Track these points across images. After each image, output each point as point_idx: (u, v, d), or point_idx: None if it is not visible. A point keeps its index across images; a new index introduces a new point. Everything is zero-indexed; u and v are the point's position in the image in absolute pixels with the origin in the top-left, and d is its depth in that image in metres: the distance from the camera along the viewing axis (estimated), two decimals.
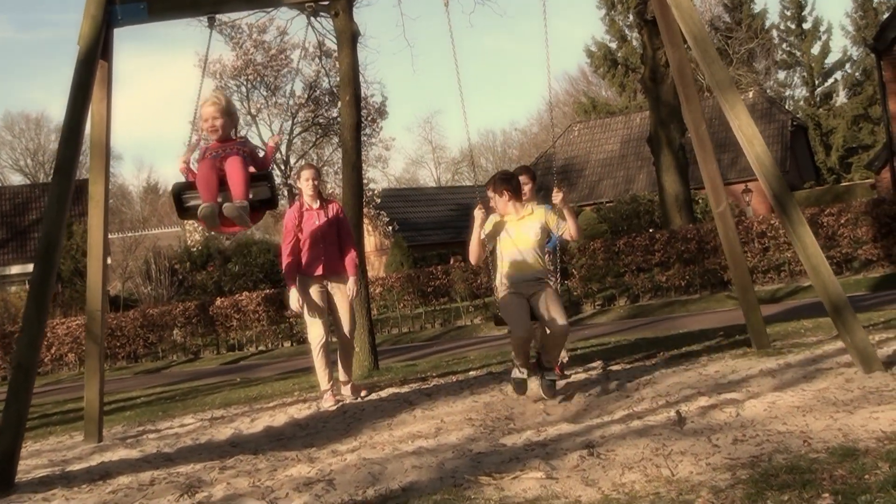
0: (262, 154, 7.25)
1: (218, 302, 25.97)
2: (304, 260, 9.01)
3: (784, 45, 64.83)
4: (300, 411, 8.89)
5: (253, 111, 39.82)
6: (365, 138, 41.17)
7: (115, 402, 13.11)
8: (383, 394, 9.33)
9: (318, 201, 9.11)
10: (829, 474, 4.22)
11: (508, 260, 7.78)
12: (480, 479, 4.92)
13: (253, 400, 10.73)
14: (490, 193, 7.99)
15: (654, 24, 23.79)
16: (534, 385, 8.32)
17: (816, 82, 62.01)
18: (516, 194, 7.95)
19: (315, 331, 9.04)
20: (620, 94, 62.85)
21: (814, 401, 5.91)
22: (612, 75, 62.23)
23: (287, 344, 25.19)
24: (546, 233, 7.93)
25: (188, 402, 11.72)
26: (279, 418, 8.63)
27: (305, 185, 9.08)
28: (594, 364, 9.48)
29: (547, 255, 8.89)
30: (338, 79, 39.43)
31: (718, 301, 19.49)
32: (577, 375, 8.85)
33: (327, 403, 8.93)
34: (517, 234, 7.77)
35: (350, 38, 11.74)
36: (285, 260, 9.06)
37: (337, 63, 38.81)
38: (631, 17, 61.92)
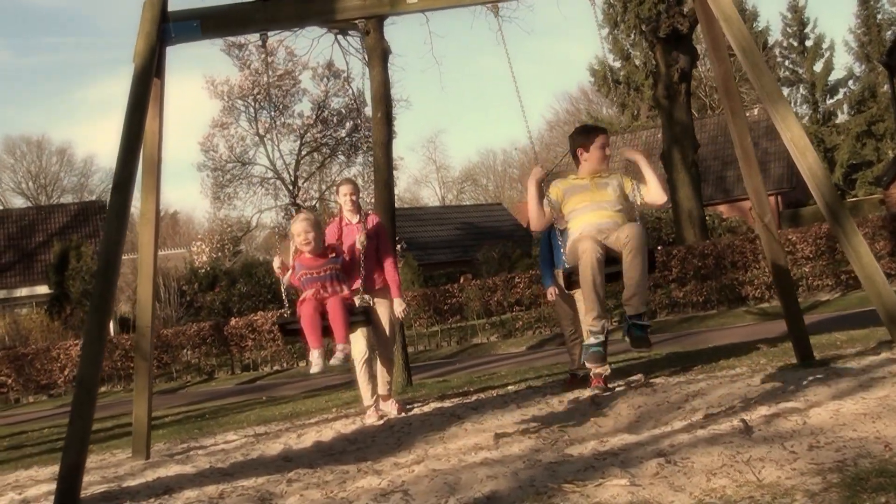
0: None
1: (233, 322, 26.03)
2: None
3: (787, 63, 65.17)
4: (346, 426, 8.92)
5: (261, 131, 39.95)
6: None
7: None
8: (426, 408, 9.36)
9: (357, 216, 9.16)
10: None
11: (582, 215, 6.86)
12: (563, 486, 4.95)
13: (289, 417, 10.76)
14: (604, 140, 7.06)
15: (668, 41, 24.02)
16: (581, 401, 8.40)
17: (819, 99, 62.21)
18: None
19: (358, 346, 9.03)
20: (622, 113, 63.09)
21: (879, 408, 5.93)
22: (614, 94, 62.51)
23: (302, 363, 25.19)
24: (625, 193, 6.97)
25: (221, 421, 11.73)
26: (326, 433, 8.66)
27: (344, 199, 9.13)
28: (635, 377, 9.51)
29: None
30: (346, 99, 39.88)
31: (737, 316, 19.55)
32: (620, 388, 8.89)
33: (371, 419, 8.95)
34: (592, 188, 6.91)
35: (381, 55, 11.83)
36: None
37: (345, 83, 39.38)
38: (633, 37, 62.46)
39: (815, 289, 19.93)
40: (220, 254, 45.22)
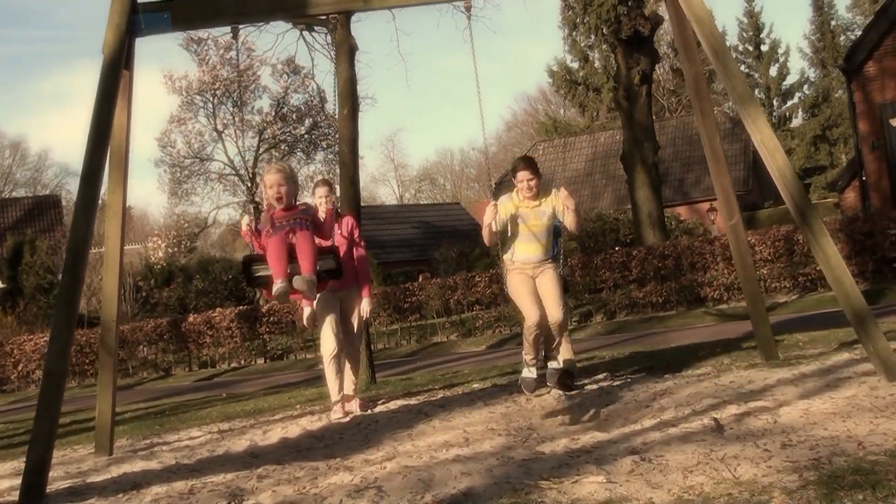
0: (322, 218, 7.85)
1: (191, 318, 25.82)
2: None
3: (742, 67, 65.68)
4: (312, 423, 8.87)
5: (220, 127, 39.69)
6: (332, 156, 41.21)
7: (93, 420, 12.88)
8: (392, 406, 9.33)
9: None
10: (895, 475, 4.29)
11: (519, 242, 8.08)
12: (540, 483, 4.95)
13: (253, 414, 10.68)
14: (530, 174, 7.95)
15: (630, 43, 24.15)
16: (549, 398, 8.42)
17: (775, 104, 62.85)
18: (539, 179, 8.12)
19: (328, 343, 8.98)
20: (581, 114, 63.32)
21: (848, 407, 6.00)
22: (573, 95, 62.67)
23: (260, 361, 25.07)
24: (553, 217, 8.17)
25: (183, 417, 11.62)
26: (292, 430, 8.60)
27: (319, 201, 9.07)
28: (600, 376, 9.54)
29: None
30: (305, 96, 39.73)
31: (696, 317, 19.68)
32: (586, 387, 8.91)
33: (337, 415, 8.91)
34: (531, 217, 8.02)
35: (348, 52, 11.77)
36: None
37: (305, 80, 39.23)
38: (593, 38, 62.67)
39: (773, 290, 20.10)
40: (176, 250, 44.87)
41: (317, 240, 7.43)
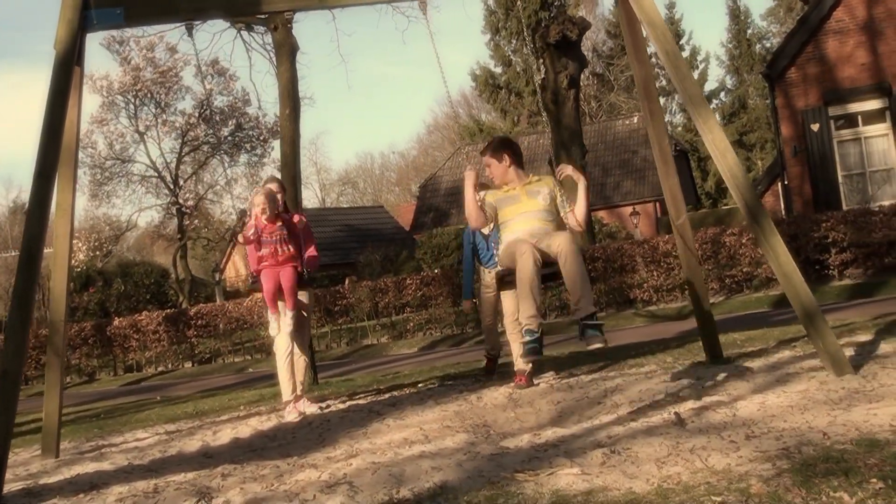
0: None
1: (116, 322, 25.42)
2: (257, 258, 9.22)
3: (663, 73, 66.65)
4: (262, 423, 8.84)
5: (141, 128, 39.15)
6: (256, 158, 40.93)
7: (30, 423, 12.58)
8: (341, 406, 9.34)
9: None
10: (863, 462, 4.42)
11: (514, 224, 7.19)
12: (516, 476, 5.00)
13: (196, 416, 10.58)
14: (487, 159, 7.45)
15: (557, 47, 24.36)
16: (499, 395, 8.49)
17: None
18: (518, 160, 7.47)
19: (282, 341, 9.03)
20: (503, 118, 63.74)
21: (803, 401, 6.15)
22: (495, 99, 63.10)
23: (188, 364, 24.79)
24: (555, 202, 7.28)
25: (121, 420, 11.46)
26: (243, 430, 8.56)
27: (267, 188, 9.18)
28: (546, 375, 9.63)
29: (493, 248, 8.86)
30: (230, 98, 39.38)
31: (626, 319, 19.94)
32: (534, 385, 8.98)
33: (291, 415, 8.90)
34: (523, 198, 7.22)
35: (289, 51, 11.74)
36: (253, 255, 9.25)
37: (230, 82, 38.90)
38: (514, 43, 63.21)
39: None
40: (97, 253, 44.13)
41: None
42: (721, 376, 7.71)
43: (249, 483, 5.83)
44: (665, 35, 7.54)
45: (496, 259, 7.94)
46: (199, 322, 24.89)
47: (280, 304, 9.06)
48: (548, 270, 6.78)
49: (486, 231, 9.04)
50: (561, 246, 6.60)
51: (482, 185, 7.62)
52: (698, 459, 4.87)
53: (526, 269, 6.51)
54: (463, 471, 5.32)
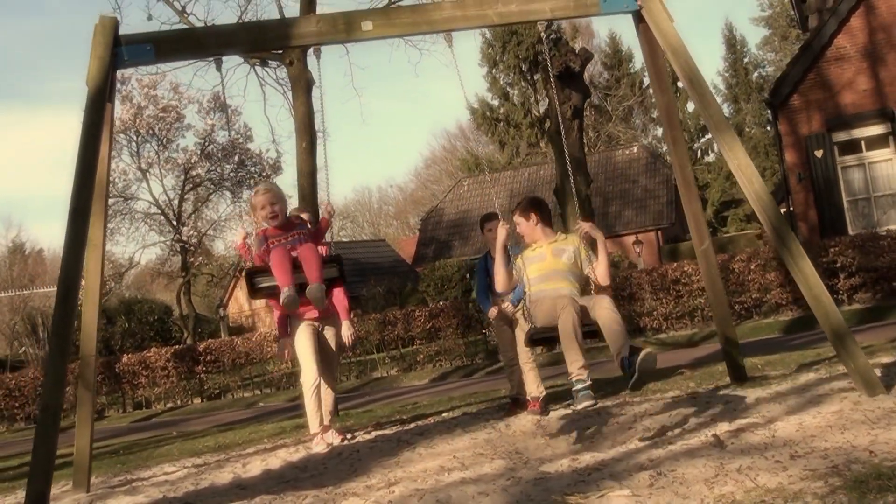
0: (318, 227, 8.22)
1: (125, 359, 25.41)
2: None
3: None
4: (291, 455, 8.84)
5: (144, 166, 39.28)
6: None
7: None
8: (368, 436, 9.35)
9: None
10: None
11: (540, 283, 7.35)
12: (567, 499, 5.04)
13: (219, 449, 10.57)
14: (517, 219, 7.69)
15: (561, 78, 24.52)
16: (527, 423, 8.52)
17: (692, 138, 64.16)
18: (546, 218, 7.69)
19: (309, 372, 8.92)
20: (501, 150, 64.00)
21: (841, 420, 6.19)
22: (493, 131, 63.43)
23: (197, 400, 24.77)
24: (579, 259, 7.46)
25: (142, 455, 11.45)
26: (272, 462, 8.56)
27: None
28: (570, 401, 9.62)
29: (515, 306, 9.07)
30: (232, 134, 39.50)
31: None
32: (561, 411, 9.01)
33: (319, 447, 8.84)
34: (549, 257, 7.43)
35: (305, 86, 11.87)
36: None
37: (232, 118, 39.05)
38: (512, 76, 63.57)
39: (709, 319, 20.49)
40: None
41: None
42: (752, 399, 7.75)
43: None
44: (688, 63, 7.63)
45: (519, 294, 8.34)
46: (208, 357, 24.87)
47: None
48: (587, 329, 6.93)
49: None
50: (601, 314, 6.82)
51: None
52: (748, 479, 4.91)
53: (570, 323, 6.68)
54: (510, 495, 5.36)
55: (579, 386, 6.73)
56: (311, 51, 8.07)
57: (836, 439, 5.64)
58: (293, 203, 12.73)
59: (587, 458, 6.31)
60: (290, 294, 7.06)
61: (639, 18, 7.91)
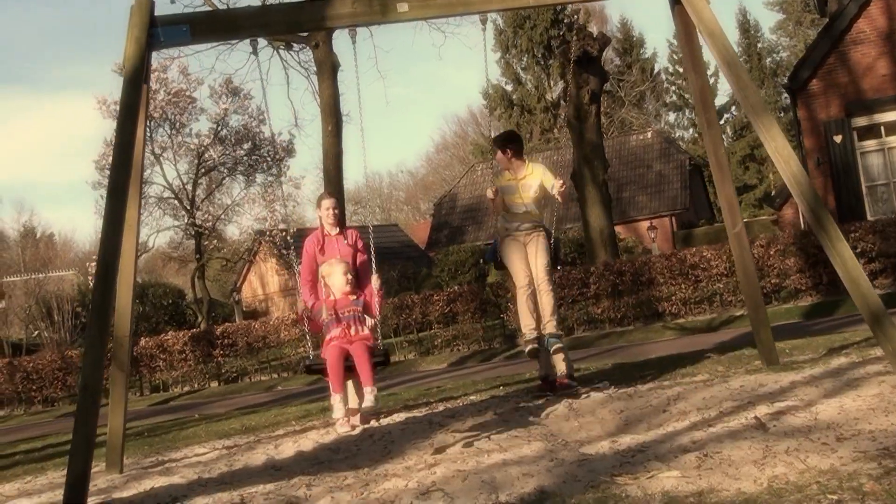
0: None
1: (142, 342, 25.46)
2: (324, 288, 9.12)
3: (673, 88, 66.94)
4: (322, 437, 8.82)
5: (157, 150, 39.24)
6: (272, 178, 41.01)
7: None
8: (397, 418, 9.34)
9: (337, 228, 9.27)
10: None
11: (512, 210, 9.23)
12: (615, 479, 5.04)
13: (249, 431, 10.59)
14: (496, 148, 9.47)
15: (580, 63, 24.48)
16: (560, 406, 8.50)
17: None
18: (518, 153, 9.39)
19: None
20: None
21: (882, 403, 6.16)
22: (507, 116, 63.34)
23: (214, 384, 24.84)
24: (543, 189, 9.24)
25: (166, 438, 11.48)
26: (304, 444, 8.55)
27: (326, 213, 9.21)
28: (600, 385, 9.64)
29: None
30: (245, 117, 39.48)
31: (656, 332, 19.94)
32: (592, 395, 8.98)
33: (343, 429, 8.90)
34: (519, 191, 9.16)
35: (331, 69, 11.86)
36: (306, 286, 9.18)
37: (244, 101, 39.00)
38: (525, 60, 63.47)
39: (728, 304, 20.48)
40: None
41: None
42: (784, 382, 7.72)
43: (338, 492, 5.86)
44: (725, 46, 7.59)
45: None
46: (225, 341, 24.92)
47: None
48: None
49: None
50: (538, 275, 9.13)
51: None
52: (797, 461, 4.89)
53: (522, 289, 9.08)
54: (556, 476, 5.35)
55: (529, 346, 9.13)
56: (342, 32, 8.09)
57: (880, 422, 5.62)
58: (317, 185, 12.68)
59: (627, 440, 6.29)
60: (340, 407, 8.61)
61: (675, 1, 7.87)
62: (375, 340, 9.04)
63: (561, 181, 9.02)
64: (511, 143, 9.44)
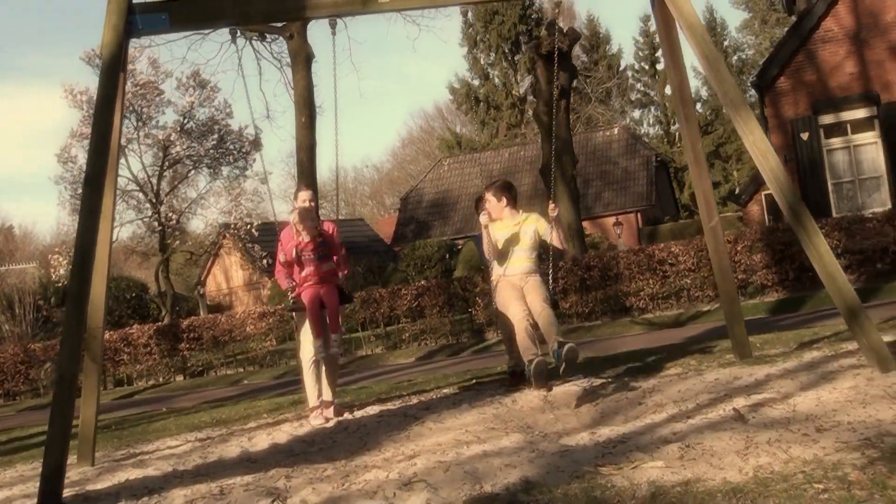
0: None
1: (107, 335, 25.19)
2: (299, 278, 9.08)
3: (639, 85, 67.23)
4: (296, 429, 8.79)
5: (123, 142, 38.87)
6: (238, 171, 40.80)
7: (37, 436, 12.43)
8: (371, 411, 9.32)
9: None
10: None
11: (507, 257, 9.07)
12: (600, 470, 5.04)
13: (220, 424, 10.53)
14: (489, 196, 9.26)
15: (549, 58, 24.50)
16: (534, 398, 8.50)
17: (670, 121, 64.32)
18: (513, 202, 9.30)
19: (307, 348, 9.04)
20: (482, 131, 63.95)
21: (859, 395, 6.21)
22: (474, 112, 63.37)
23: (180, 378, 24.67)
24: (538, 236, 9.15)
25: (135, 431, 11.36)
26: (279, 436, 8.51)
27: (304, 204, 9.14)
28: (574, 378, 9.62)
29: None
30: (211, 110, 39.21)
31: (623, 326, 20.00)
32: (566, 387, 8.97)
33: (317, 421, 8.89)
34: (515, 238, 9.04)
35: (305, 60, 11.78)
36: (282, 273, 9.17)
37: (211, 93, 38.73)
38: (492, 56, 63.51)
39: (695, 299, 20.58)
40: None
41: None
42: (759, 375, 7.77)
43: (318, 483, 5.84)
44: (704, 39, 7.62)
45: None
46: (191, 335, 24.75)
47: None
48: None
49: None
50: (538, 310, 8.72)
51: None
52: (780, 451, 4.92)
53: (521, 323, 8.62)
54: (539, 467, 5.35)
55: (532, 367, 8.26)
56: (316, 23, 8.02)
57: (858, 414, 5.66)
58: (291, 178, 12.64)
59: (606, 432, 6.31)
60: (319, 347, 8.96)
61: None
62: (342, 274, 9.41)
63: (553, 204, 8.97)
64: (508, 192, 9.36)
